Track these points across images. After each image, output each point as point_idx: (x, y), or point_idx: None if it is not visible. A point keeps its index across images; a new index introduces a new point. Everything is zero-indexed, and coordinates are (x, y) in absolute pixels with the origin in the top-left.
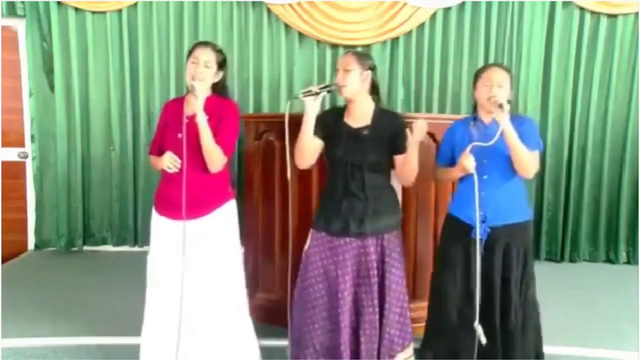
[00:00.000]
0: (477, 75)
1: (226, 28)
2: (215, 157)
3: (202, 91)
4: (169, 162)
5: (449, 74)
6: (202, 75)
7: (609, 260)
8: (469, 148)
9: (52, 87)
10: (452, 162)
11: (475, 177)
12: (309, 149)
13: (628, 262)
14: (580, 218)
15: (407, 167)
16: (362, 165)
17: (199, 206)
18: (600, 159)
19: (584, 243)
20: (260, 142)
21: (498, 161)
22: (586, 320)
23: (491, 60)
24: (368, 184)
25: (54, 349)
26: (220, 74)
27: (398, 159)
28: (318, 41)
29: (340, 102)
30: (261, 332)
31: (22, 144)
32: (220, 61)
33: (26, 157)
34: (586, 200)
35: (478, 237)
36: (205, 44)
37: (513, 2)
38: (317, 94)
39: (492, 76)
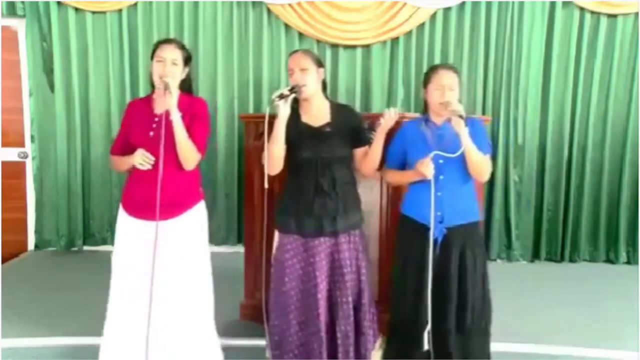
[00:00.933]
0: (427, 77)
1: (226, 28)
2: (191, 155)
3: (174, 88)
4: (142, 159)
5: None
6: (171, 73)
7: (609, 260)
8: (430, 156)
9: (52, 87)
10: (403, 163)
11: (432, 182)
12: (280, 154)
13: (628, 262)
14: (580, 218)
15: (372, 156)
16: (331, 162)
17: (172, 206)
18: (600, 159)
19: (584, 243)
20: (260, 142)
21: (454, 162)
22: (586, 320)
23: (491, 60)
24: (338, 181)
25: (53, 349)
26: (186, 71)
27: (358, 152)
28: (318, 41)
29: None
30: (262, 332)
31: (22, 144)
32: (185, 58)
33: (26, 157)
34: (586, 200)
35: (432, 237)
36: (169, 41)
37: (513, 2)
38: (287, 96)
39: (443, 80)
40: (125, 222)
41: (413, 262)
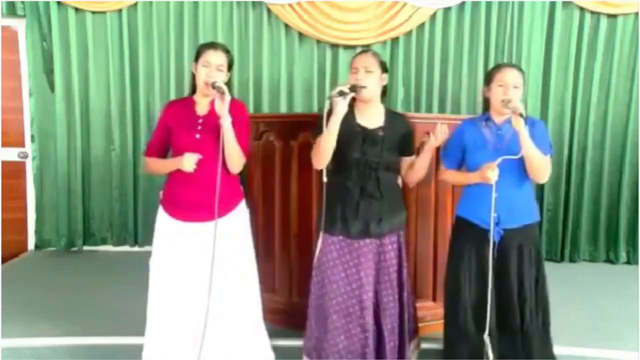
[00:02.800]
0: (490, 75)
1: (226, 28)
2: (238, 158)
3: (228, 94)
4: (192, 162)
5: (449, 74)
6: (215, 78)
7: (609, 260)
8: (497, 161)
9: (52, 87)
10: (460, 163)
11: (494, 187)
12: (331, 148)
13: (628, 262)
14: (580, 218)
15: (418, 168)
16: (379, 165)
17: (220, 206)
18: (600, 159)
19: (584, 243)
20: (260, 142)
21: (511, 163)
22: (586, 320)
23: (491, 60)
24: (383, 183)
25: (54, 349)
26: (229, 75)
27: (405, 160)
28: (318, 41)
29: None
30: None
31: (22, 144)
32: (229, 63)
33: (26, 157)
34: (586, 200)
35: (492, 239)
36: (215, 46)
37: (513, 2)
38: (346, 94)
39: (506, 77)
40: (167, 224)
41: (471, 264)
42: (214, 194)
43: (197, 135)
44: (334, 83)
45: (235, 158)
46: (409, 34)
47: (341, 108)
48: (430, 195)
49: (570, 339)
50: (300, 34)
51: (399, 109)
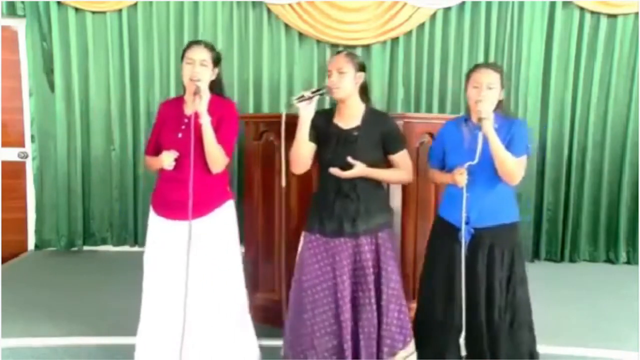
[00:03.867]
0: (467, 76)
1: (226, 28)
2: (218, 158)
3: (205, 91)
4: (170, 159)
5: (449, 74)
6: (200, 75)
7: (609, 260)
8: (465, 166)
9: (52, 87)
10: (443, 162)
11: (465, 190)
12: (304, 154)
13: (628, 262)
14: (580, 218)
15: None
16: (352, 166)
17: (200, 206)
18: (600, 159)
19: (584, 243)
20: (260, 142)
21: (484, 163)
22: (586, 320)
23: (491, 60)
24: (359, 184)
25: (54, 349)
26: (216, 72)
27: (393, 158)
28: (318, 41)
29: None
30: (261, 332)
31: (22, 144)
32: (215, 59)
33: (26, 157)
34: (586, 200)
35: (463, 240)
36: (197, 43)
37: (513, 2)
38: (310, 98)
39: (480, 78)
40: (155, 222)
41: (441, 263)
42: (197, 193)
43: (179, 134)
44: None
45: (213, 157)
46: (409, 34)
47: (306, 113)
48: (430, 195)
49: (570, 339)
50: (300, 34)
51: (399, 109)
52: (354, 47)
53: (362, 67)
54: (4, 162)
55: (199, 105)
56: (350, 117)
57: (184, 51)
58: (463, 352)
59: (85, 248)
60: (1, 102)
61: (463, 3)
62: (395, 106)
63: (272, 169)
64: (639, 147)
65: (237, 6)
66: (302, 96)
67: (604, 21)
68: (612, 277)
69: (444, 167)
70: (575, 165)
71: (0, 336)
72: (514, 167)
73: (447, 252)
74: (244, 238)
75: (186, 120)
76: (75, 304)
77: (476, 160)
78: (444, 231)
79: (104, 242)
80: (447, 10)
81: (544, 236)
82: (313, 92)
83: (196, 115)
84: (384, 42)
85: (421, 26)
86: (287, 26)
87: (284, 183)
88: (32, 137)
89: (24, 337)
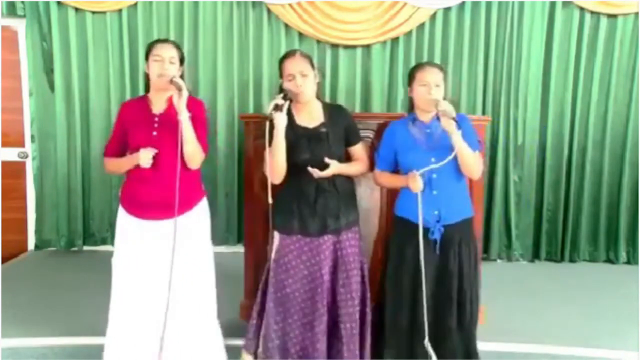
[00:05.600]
0: (412, 75)
1: (226, 28)
2: (198, 155)
3: (184, 88)
4: (149, 157)
5: (449, 74)
6: (169, 71)
7: (609, 260)
8: (420, 171)
9: (52, 87)
10: (394, 165)
11: (419, 198)
12: (283, 161)
13: (628, 262)
14: (580, 218)
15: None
16: (328, 164)
17: (179, 204)
18: (600, 159)
19: (584, 243)
20: (260, 142)
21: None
22: (586, 320)
23: (491, 60)
24: (337, 180)
25: (53, 349)
26: (181, 70)
27: (354, 150)
28: (318, 41)
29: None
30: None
31: (22, 144)
32: (181, 57)
33: (26, 157)
34: (586, 200)
35: (422, 242)
36: (165, 41)
37: (513, 2)
38: (282, 105)
39: (427, 77)
40: (126, 222)
41: (410, 264)
42: (173, 192)
43: (154, 133)
44: (333, 83)
45: (193, 154)
46: (409, 34)
47: (282, 121)
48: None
49: (570, 339)
50: (300, 34)
51: (399, 109)
52: (354, 47)
53: (315, 66)
54: (4, 162)
55: (179, 101)
56: (312, 115)
57: (149, 49)
58: (431, 353)
59: (85, 248)
60: (1, 102)
61: (463, 3)
62: (395, 106)
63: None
64: (639, 147)
65: (237, 6)
66: (277, 105)
67: (604, 21)
68: (612, 277)
69: (394, 169)
70: (575, 165)
71: (0, 336)
72: (475, 162)
73: (413, 253)
74: (244, 238)
75: (156, 119)
76: (75, 304)
77: (450, 158)
78: (408, 231)
79: (104, 242)
80: (447, 10)
81: (544, 236)
82: (283, 98)
83: (171, 113)
84: (384, 42)
85: (421, 26)
86: (287, 26)
87: (270, 200)
88: (32, 137)
89: (24, 337)
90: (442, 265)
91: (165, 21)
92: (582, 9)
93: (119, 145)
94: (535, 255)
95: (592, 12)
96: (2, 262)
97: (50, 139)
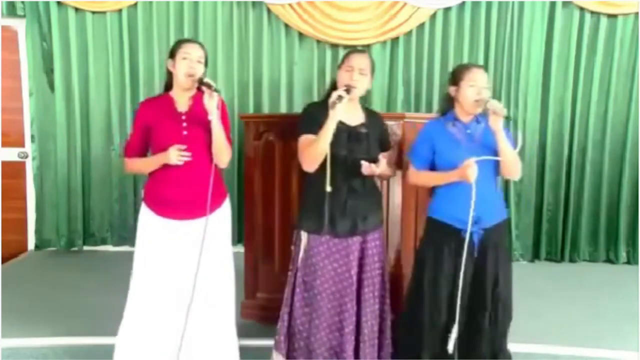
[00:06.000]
0: (459, 74)
1: (226, 28)
2: (226, 153)
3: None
4: (178, 155)
5: (449, 74)
6: (196, 71)
7: (609, 260)
8: (474, 159)
9: (52, 87)
10: (432, 164)
11: (474, 185)
12: (325, 150)
13: (628, 262)
14: (580, 218)
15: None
16: (367, 162)
17: (204, 205)
18: (600, 159)
19: (584, 243)
20: (260, 142)
21: (485, 161)
22: (586, 320)
23: (491, 60)
24: (367, 181)
25: (54, 349)
26: (205, 71)
27: (384, 155)
28: (318, 41)
29: None
30: (262, 332)
31: (22, 144)
32: (206, 58)
33: (26, 157)
34: (586, 201)
35: (467, 239)
36: (191, 40)
37: (513, 2)
38: (343, 98)
39: (477, 77)
40: (151, 222)
41: (447, 266)
42: (203, 191)
43: (185, 132)
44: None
45: (222, 153)
46: (409, 34)
47: (340, 111)
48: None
49: (570, 339)
50: (300, 34)
51: (399, 109)
52: (354, 47)
53: (373, 70)
54: (4, 162)
55: (210, 102)
56: (354, 114)
57: (176, 47)
58: (450, 347)
59: (85, 248)
60: (1, 102)
61: (463, 3)
62: (395, 106)
63: (272, 169)
64: (639, 147)
65: (237, 6)
66: (340, 96)
67: (604, 21)
68: (612, 277)
69: (433, 168)
70: (575, 165)
71: (0, 336)
72: (518, 163)
73: (450, 255)
74: (244, 238)
75: (184, 117)
76: (75, 303)
77: (499, 157)
78: (444, 233)
79: (104, 242)
80: (447, 10)
81: (544, 236)
82: (345, 91)
83: (198, 112)
84: (384, 42)
85: (421, 26)
86: (287, 26)
87: (329, 188)
88: (32, 137)
89: (24, 337)
90: (479, 268)
91: (165, 21)
92: (582, 9)
93: (142, 145)
94: (535, 255)
95: (592, 12)
96: (2, 262)
97: (50, 139)
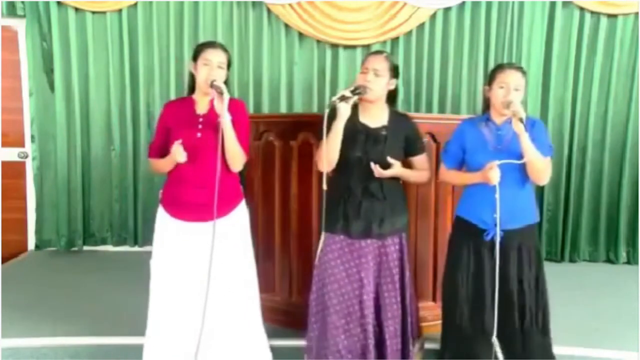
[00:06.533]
0: (493, 75)
1: (226, 28)
2: (239, 157)
3: (226, 91)
4: (181, 150)
5: (449, 74)
6: (217, 77)
7: (609, 260)
8: (497, 162)
9: (52, 87)
10: (462, 163)
11: (497, 187)
12: (337, 150)
13: (628, 262)
14: (580, 218)
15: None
16: (382, 165)
17: (220, 206)
18: (600, 159)
19: (584, 243)
20: (260, 142)
21: (513, 164)
22: (586, 320)
23: (491, 60)
24: (385, 184)
25: (54, 349)
26: (227, 74)
27: (416, 161)
28: (318, 41)
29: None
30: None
31: (22, 144)
32: (229, 61)
33: (26, 157)
34: (586, 200)
35: (498, 241)
36: (214, 44)
37: (513, 2)
38: (349, 98)
39: (508, 79)
40: (166, 224)
41: (467, 264)
42: (218, 193)
43: (199, 134)
44: (333, 83)
45: (235, 156)
46: (409, 34)
47: (344, 111)
48: (430, 195)
49: (570, 339)
50: (300, 34)
51: (399, 109)
52: (354, 47)
53: (396, 74)
54: (4, 162)
55: (220, 105)
56: (376, 116)
57: (199, 51)
58: (500, 355)
59: (85, 248)
60: (1, 102)
61: (463, 3)
62: (395, 106)
63: (272, 169)
64: (639, 146)
65: (237, 6)
66: (343, 96)
67: (604, 21)
68: (612, 277)
69: (461, 168)
70: (575, 165)
71: (0, 336)
72: (544, 167)
73: (474, 254)
74: None
75: (201, 120)
76: (75, 304)
77: (523, 160)
78: (467, 232)
79: (104, 242)
80: (447, 10)
81: (544, 236)
82: (352, 92)
83: (215, 115)
84: (384, 42)
85: (421, 26)
86: (287, 26)
87: (325, 186)
88: (32, 137)
89: (24, 337)
90: (500, 269)
91: (165, 21)
92: (582, 9)
93: (163, 146)
94: None
95: (592, 12)
96: (2, 262)
97: (50, 139)
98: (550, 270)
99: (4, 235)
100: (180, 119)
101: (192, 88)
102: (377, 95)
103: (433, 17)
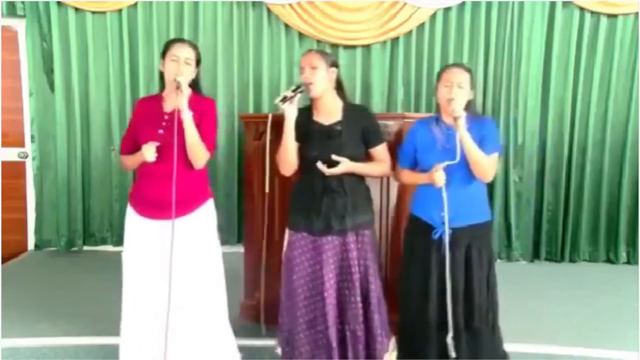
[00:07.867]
0: (438, 76)
1: (226, 28)
2: (200, 154)
3: (186, 87)
4: (152, 151)
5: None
6: (183, 72)
7: (609, 260)
8: (441, 165)
9: (52, 87)
10: (414, 162)
11: (444, 189)
12: (293, 153)
13: (628, 262)
14: (580, 218)
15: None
16: (339, 161)
17: (184, 204)
18: (600, 159)
19: (584, 243)
20: (260, 142)
21: (460, 162)
22: (586, 320)
23: (491, 60)
24: (346, 179)
25: (54, 349)
26: (197, 71)
27: (375, 152)
28: (318, 41)
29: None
30: (261, 333)
31: (22, 144)
32: (197, 58)
33: (26, 157)
34: (586, 200)
35: (447, 240)
36: (182, 41)
37: (513, 2)
38: (292, 97)
39: (451, 77)
40: (134, 221)
41: (418, 262)
42: (179, 191)
43: (160, 131)
44: None
45: (196, 153)
46: (409, 34)
47: (290, 112)
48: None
49: (570, 339)
50: (300, 34)
51: (399, 109)
52: (354, 47)
53: (334, 63)
54: (4, 162)
55: (180, 100)
56: (329, 112)
57: (167, 48)
58: (452, 354)
59: (85, 248)
60: (1, 102)
61: (463, 3)
62: (395, 106)
63: (272, 169)
64: (639, 146)
65: (237, 6)
66: (285, 97)
67: (604, 21)
68: (612, 277)
69: (414, 167)
70: (575, 165)
71: (0, 336)
72: (487, 166)
73: (422, 250)
74: (244, 238)
75: (166, 117)
76: (75, 304)
77: (457, 160)
78: (419, 230)
79: (104, 242)
80: (447, 10)
81: (544, 236)
82: (294, 91)
83: (178, 112)
84: (384, 42)
85: (421, 26)
86: (287, 26)
87: (267, 189)
88: (32, 137)
89: (24, 337)
90: (451, 267)
91: (165, 21)
92: (582, 9)
93: (133, 142)
94: (535, 255)
95: (592, 12)
96: (2, 262)
97: (50, 139)
98: (550, 270)
99: (4, 235)
100: (147, 116)
101: (162, 85)
102: (321, 88)
103: (433, 17)
